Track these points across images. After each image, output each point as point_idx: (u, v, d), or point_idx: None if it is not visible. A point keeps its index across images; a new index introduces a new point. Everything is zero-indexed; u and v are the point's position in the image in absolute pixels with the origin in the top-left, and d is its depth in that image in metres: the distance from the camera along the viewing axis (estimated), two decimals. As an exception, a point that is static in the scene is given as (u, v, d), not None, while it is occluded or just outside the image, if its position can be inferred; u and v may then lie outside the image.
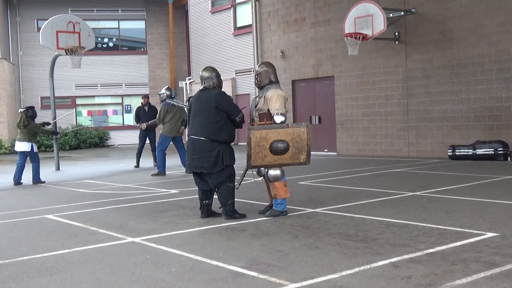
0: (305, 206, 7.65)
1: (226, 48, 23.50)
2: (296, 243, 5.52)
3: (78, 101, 27.60)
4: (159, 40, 28.67)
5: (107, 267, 4.94)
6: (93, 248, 5.67)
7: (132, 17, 28.67)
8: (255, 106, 7.17)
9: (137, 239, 6.00)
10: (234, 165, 7.01)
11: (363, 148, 16.14)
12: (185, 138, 8.08)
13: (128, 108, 27.95)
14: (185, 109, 12.52)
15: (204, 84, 7.08)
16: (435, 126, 14.36)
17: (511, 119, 13.02)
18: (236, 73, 23.00)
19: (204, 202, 7.08)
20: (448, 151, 13.58)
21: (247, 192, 8.94)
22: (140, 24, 28.77)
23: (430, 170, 11.53)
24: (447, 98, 14.11)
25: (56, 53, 14.79)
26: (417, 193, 8.46)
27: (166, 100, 12.82)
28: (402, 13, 14.66)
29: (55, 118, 14.99)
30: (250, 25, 20.61)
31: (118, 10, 28.28)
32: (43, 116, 20.09)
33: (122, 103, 28.14)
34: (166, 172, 12.74)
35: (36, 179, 12.05)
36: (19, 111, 12.99)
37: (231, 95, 20.82)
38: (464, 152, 13.23)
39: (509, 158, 12.75)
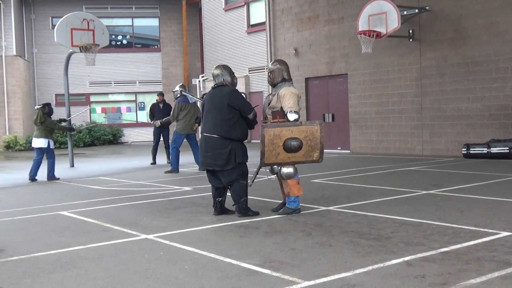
0: (318, 204, 7.65)
1: (239, 45, 23.52)
2: (309, 241, 5.51)
3: (92, 98, 27.73)
4: (173, 37, 28.73)
5: (121, 263, 4.96)
6: (107, 245, 5.71)
7: (145, 14, 28.76)
8: (268, 104, 7.16)
9: (150, 236, 6.02)
10: (247, 163, 7.02)
11: (377, 146, 16.08)
12: (199, 136, 8.09)
13: (142, 106, 28.05)
14: (198, 103, 12.55)
15: (215, 81, 7.10)
16: (449, 125, 14.27)
17: (526, 117, 12.93)
18: (249, 71, 23.02)
19: (217, 199, 7.09)
20: (463, 149, 13.48)
21: (260, 189, 8.94)
22: (154, 22, 28.84)
23: (444, 169, 11.46)
24: (461, 96, 14.01)
25: (71, 50, 14.87)
26: (431, 191, 8.41)
27: (182, 92, 12.87)
28: (416, 10, 14.58)
29: (70, 115, 15.11)
30: (263, 23, 20.57)
31: (132, 8, 28.39)
32: (57, 113, 20.21)
33: (135, 100, 28.25)
34: (180, 170, 12.78)
35: (51, 176, 12.14)
36: (35, 108, 13.08)
37: (245, 93, 20.82)
38: (479, 150, 13.12)
39: (524, 157, 12.65)
